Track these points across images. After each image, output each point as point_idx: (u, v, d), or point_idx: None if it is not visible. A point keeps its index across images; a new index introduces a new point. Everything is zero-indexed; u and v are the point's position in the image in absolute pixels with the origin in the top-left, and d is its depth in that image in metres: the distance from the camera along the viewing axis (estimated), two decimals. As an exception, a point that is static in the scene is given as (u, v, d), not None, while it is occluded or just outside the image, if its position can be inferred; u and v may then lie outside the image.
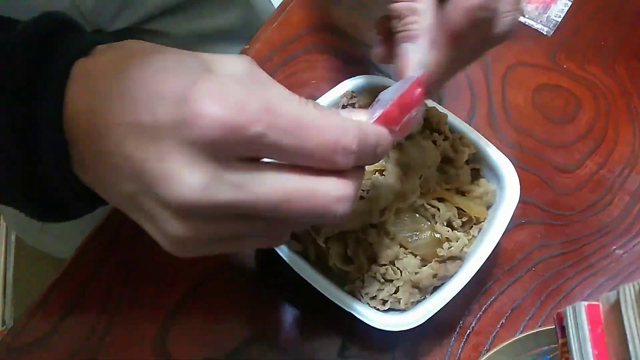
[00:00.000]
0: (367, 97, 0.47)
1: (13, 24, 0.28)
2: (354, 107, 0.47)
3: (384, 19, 0.37)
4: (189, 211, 0.24)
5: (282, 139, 0.24)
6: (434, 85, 0.34)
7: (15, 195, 0.28)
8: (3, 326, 1.08)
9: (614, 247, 0.49)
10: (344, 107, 0.47)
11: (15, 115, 0.26)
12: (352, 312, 0.40)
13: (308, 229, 0.42)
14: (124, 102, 0.24)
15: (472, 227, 0.44)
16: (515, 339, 0.40)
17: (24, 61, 0.26)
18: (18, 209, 0.29)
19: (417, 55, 0.33)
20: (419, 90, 0.30)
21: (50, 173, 0.27)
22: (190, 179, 0.23)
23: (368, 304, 0.41)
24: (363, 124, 0.27)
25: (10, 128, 0.26)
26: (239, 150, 0.24)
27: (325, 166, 0.25)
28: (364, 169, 0.28)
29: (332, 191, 0.26)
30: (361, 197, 0.42)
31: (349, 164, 0.26)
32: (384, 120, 0.28)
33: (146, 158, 0.24)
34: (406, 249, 0.41)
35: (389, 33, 0.35)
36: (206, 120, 0.23)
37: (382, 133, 0.28)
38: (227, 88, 0.23)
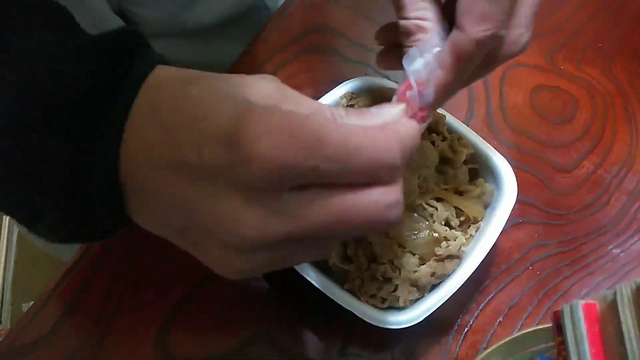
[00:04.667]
0: (367, 98, 0.47)
1: (71, 22, 0.28)
2: (353, 108, 0.47)
3: (384, 30, 0.38)
4: (247, 248, 0.25)
5: (331, 167, 0.24)
6: (439, 100, 0.34)
7: (53, 220, 0.27)
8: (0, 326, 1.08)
9: (611, 247, 0.49)
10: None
11: (71, 149, 0.25)
12: (352, 310, 0.40)
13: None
14: (164, 141, 0.24)
15: (469, 226, 0.44)
16: (512, 337, 0.40)
17: (91, 84, 0.25)
18: (38, 231, 0.29)
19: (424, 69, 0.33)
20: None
21: (98, 209, 0.26)
22: (247, 218, 0.24)
23: (367, 302, 0.41)
24: (402, 134, 0.27)
25: (63, 159, 0.25)
26: (290, 183, 0.24)
27: (371, 182, 0.26)
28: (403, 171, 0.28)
29: (381, 201, 0.26)
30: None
31: (394, 178, 0.26)
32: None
33: (197, 197, 0.24)
34: (405, 248, 0.42)
35: (390, 41, 0.36)
36: (261, 163, 0.23)
37: (415, 135, 0.28)
38: (276, 124, 0.23)
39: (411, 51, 0.33)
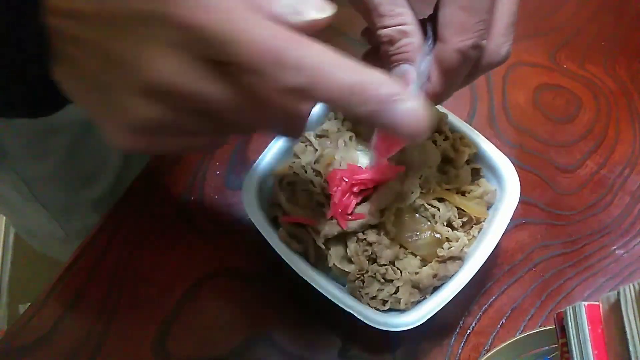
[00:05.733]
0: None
1: None
2: None
3: (369, 30, 0.38)
4: (158, 91, 0.25)
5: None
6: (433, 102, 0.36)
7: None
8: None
9: (614, 247, 0.49)
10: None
11: None
12: (353, 312, 0.40)
13: (309, 230, 0.42)
14: None
15: (472, 227, 0.44)
16: (515, 339, 0.40)
17: None
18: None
19: (416, 74, 0.34)
20: None
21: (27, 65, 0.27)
22: (168, 60, 0.24)
23: (368, 304, 0.41)
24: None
25: None
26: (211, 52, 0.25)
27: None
28: None
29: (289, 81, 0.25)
30: (363, 198, 0.42)
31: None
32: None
33: (120, 35, 0.25)
34: (406, 249, 0.41)
35: (375, 42, 0.36)
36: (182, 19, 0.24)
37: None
38: None
39: (402, 67, 0.34)
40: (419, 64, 0.34)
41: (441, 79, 0.34)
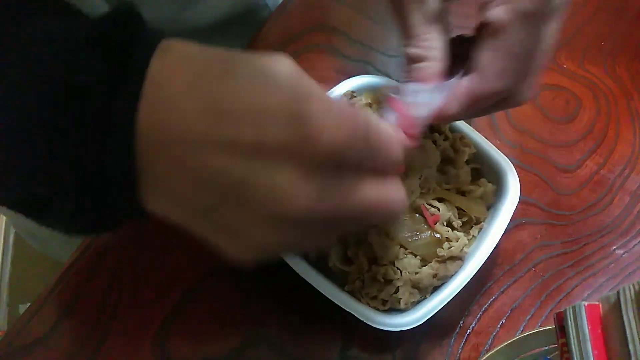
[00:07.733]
0: (367, 96, 0.47)
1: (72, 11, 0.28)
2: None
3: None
4: (293, 220, 0.25)
5: (370, 154, 0.27)
6: (444, 121, 0.39)
7: (66, 208, 0.26)
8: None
9: (614, 247, 0.49)
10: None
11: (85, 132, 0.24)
12: (353, 312, 0.40)
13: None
14: (209, 119, 0.24)
15: (472, 227, 0.44)
16: (515, 339, 0.40)
17: (100, 66, 0.25)
18: (54, 224, 0.28)
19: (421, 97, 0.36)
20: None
21: (111, 191, 0.26)
22: (305, 190, 0.25)
23: (368, 304, 0.41)
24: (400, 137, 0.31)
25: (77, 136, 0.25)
26: (339, 163, 0.26)
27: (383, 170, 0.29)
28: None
29: (398, 196, 0.29)
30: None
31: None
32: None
33: (248, 173, 0.25)
34: (406, 249, 0.41)
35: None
36: (325, 141, 0.24)
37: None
38: (336, 109, 0.25)
39: (412, 86, 0.36)
40: (430, 94, 0.35)
41: (464, 105, 0.36)
